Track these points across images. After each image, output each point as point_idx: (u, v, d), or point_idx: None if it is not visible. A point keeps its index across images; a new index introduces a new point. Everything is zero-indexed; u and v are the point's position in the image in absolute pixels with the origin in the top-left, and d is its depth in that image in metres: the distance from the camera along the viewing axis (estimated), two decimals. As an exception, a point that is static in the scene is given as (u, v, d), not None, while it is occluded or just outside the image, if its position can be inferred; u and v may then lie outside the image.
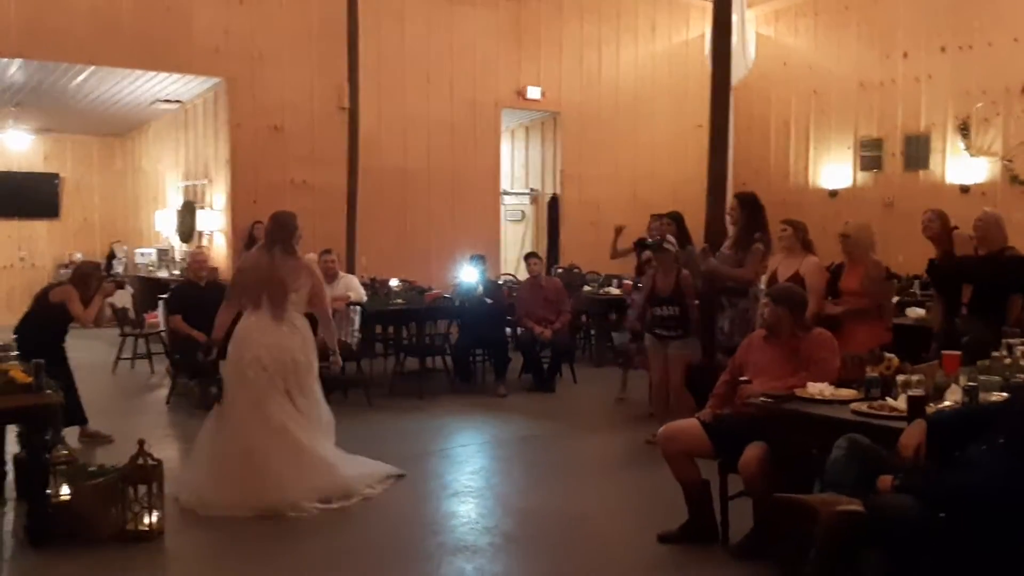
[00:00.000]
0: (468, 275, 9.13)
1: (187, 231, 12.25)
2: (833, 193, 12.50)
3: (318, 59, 11.07)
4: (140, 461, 4.57)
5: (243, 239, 10.61)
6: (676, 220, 7.56)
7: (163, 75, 10.97)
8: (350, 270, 10.14)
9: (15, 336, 5.26)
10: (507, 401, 8.34)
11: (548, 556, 4.51)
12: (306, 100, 11.11)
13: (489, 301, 8.72)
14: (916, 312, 7.15)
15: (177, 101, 12.16)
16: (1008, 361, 4.14)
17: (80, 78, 10.89)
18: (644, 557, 4.42)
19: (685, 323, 6.56)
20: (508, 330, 9.43)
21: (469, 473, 5.98)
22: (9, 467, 5.12)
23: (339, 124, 10.91)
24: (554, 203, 13.27)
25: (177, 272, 11.87)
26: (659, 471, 4.66)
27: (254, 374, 5.22)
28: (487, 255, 10.36)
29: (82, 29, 9.82)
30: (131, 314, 10.04)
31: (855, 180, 12.33)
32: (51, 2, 9.67)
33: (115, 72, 10.76)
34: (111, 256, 13.78)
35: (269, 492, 5.04)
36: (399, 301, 8.96)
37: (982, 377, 3.88)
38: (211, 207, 11.65)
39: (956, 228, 6.30)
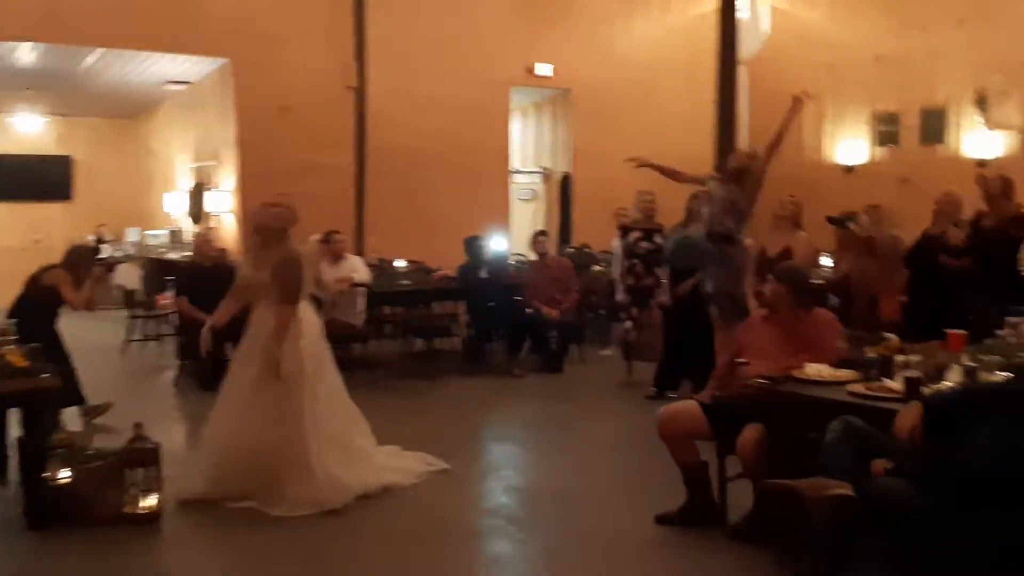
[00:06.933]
0: (497, 244, 9.32)
1: (197, 213, 12.27)
2: (849, 169, 12.33)
3: (325, 37, 11.00)
4: (137, 444, 4.58)
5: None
6: None
7: (172, 56, 10.95)
8: (359, 251, 10.12)
9: (12, 320, 5.24)
10: (513, 382, 8.29)
11: (547, 537, 4.50)
12: (313, 79, 11.04)
13: (484, 276, 8.62)
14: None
15: (186, 82, 12.15)
16: (1013, 341, 4.05)
17: (90, 60, 10.90)
18: (643, 538, 4.38)
19: None
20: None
21: (471, 454, 5.95)
22: (12, 450, 5.12)
23: (347, 103, 10.87)
24: (566, 182, 13.15)
25: (188, 253, 11.88)
26: (661, 452, 4.61)
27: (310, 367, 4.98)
28: (496, 234, 10.27)
29: (92, 11, 9.81)
30: (140, 296, 10.06)
31: (871, 155, 12.15)
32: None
33: (124, 54, 10.76)
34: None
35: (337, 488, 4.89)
36: (405, 282, 8.93)
37: (982, 357, 3.78)
38: (220, 188, 11.65)
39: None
